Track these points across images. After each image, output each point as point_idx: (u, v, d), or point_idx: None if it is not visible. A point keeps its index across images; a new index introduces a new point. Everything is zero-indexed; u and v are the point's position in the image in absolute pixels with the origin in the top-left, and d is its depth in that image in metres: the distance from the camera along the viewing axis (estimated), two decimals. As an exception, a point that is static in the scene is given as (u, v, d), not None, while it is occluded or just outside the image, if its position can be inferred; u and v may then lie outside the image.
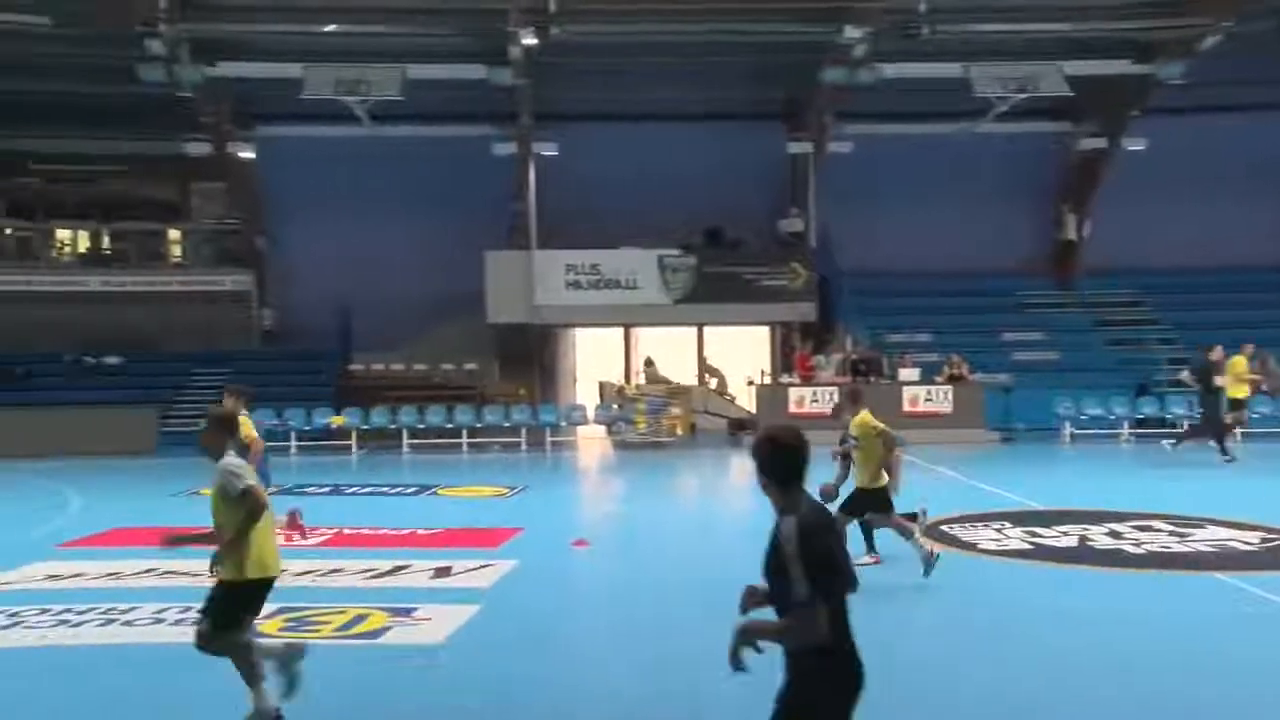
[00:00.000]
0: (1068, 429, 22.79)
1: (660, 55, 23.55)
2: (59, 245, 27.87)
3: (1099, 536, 11.56)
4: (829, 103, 25.03)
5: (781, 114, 26.88)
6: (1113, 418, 23.01)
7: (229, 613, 6.24)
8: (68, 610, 8.94)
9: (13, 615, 8.82)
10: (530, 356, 26.16)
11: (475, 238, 24.98)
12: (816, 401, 22.40)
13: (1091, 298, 26.90)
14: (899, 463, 9.95)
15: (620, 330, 27.92)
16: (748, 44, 23.55)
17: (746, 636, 4.10)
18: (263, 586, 6.42)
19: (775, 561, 4.08)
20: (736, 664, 4.10)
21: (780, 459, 4.23)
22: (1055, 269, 27.83)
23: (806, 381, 23.15)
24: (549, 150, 25.02)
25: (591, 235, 24.83)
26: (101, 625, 8.55)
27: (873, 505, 9.87)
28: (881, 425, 9.91)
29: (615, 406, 24.07)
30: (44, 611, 8.91)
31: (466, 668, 7.63)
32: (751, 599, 4.28)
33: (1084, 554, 10.83)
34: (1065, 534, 11.73)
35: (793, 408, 22.50)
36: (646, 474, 19.67)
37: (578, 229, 24.72)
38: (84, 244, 28.18)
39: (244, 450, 9.09)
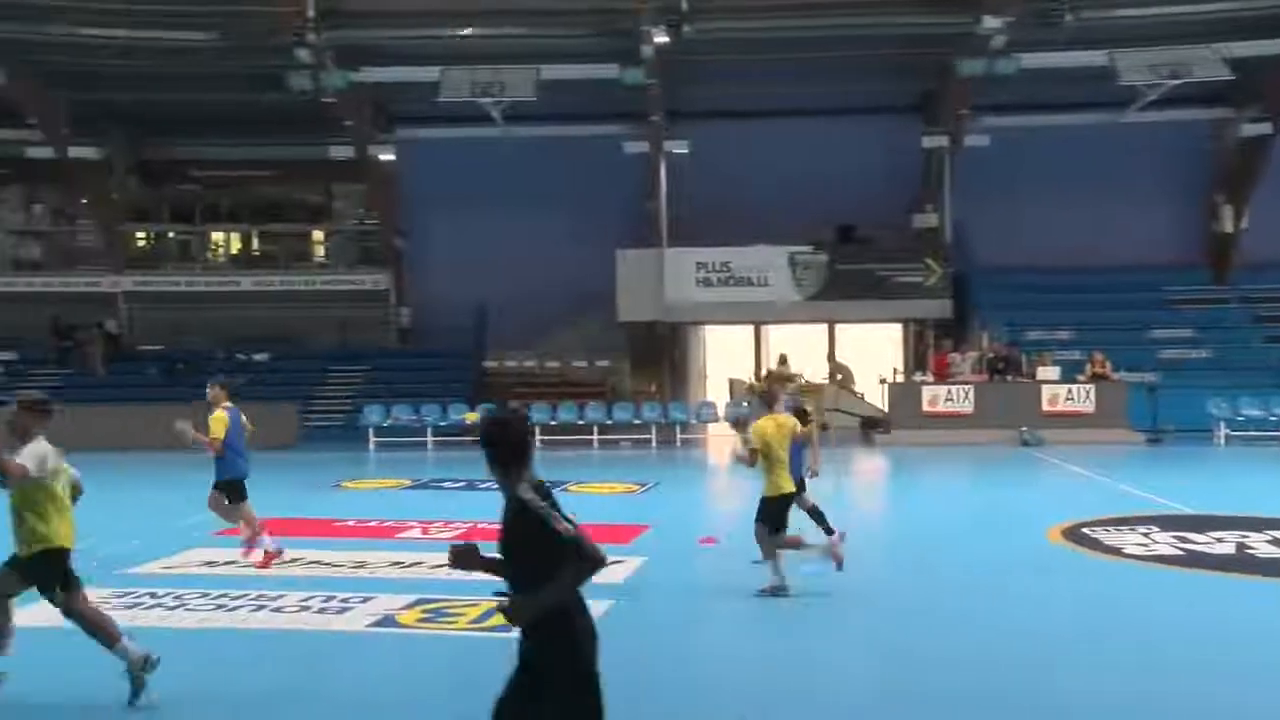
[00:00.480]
0: (1222, 430, 21.74)
1: (792, 51, 23.36)
2: (214, 247, 29.21)
3: (1260, 544, 10.98)
4: (966, 95, 24.44)
5: (915, 107, 26.38)
6: (1274, 418, 21.86)
7: None
8: (224, 595, 9.38)
9: (178, 598, 9.31)
10: (660, 354, 26.27)
11: (606, 236, 25.22)
12: (951, 400, 21.93)
13: (1250, 293, 25.62)
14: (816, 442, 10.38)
15: (750, 328, 27.82)
16: (881, 37, 23.18)
17: (521, 616, 4.45)
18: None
19: (515, 536, 4.44)
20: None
21: (507, 442, 4.57)
22: (1209, 263, 26.58)
23: (941, 380, 22.66)
24: (680, 149, 25.08)
25: (722, 233, 24.80)
26: (253, 610, 8.94)
27: (780, 513, 9.50)
28: (770, 433, 9.39)
29: (745, 404, 23.97)
30: (203, 595, 9.37)
31: (601, 663, 7.71)
32: (468, 559, 4.55)
33: (1243, 562, 10.30)
34: (1220, 540, 11.18)
35: (926, 406, 22.08)
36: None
37: (708, 227, 24.72)
38: (236, 246, 29.46)
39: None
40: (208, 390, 11.65)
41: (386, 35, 22.22)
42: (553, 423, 23.20)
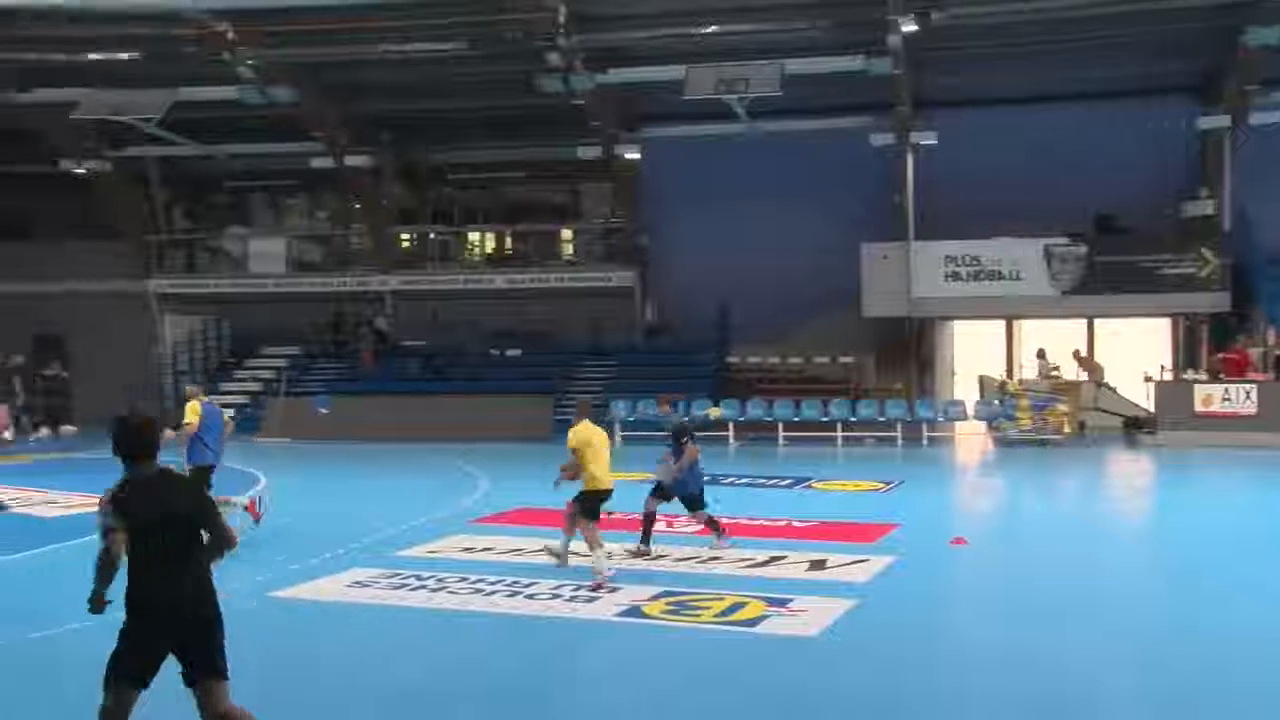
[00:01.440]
0: None
1: (1048, 34, 22.21)
2: (470, 247, 30.72)
3: None
4: (1253, 70, 22.47)
5: (1189, 87, 24.51)
6: None
7: None
8: (481, 580, 9.86)
9: (440, 581, 9.85)
10: (907, 350, 25.62)
11: (851, 230, 24.80)
12: (1229, 400, 20.27)
13: None
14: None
15: (1002, 323, 26.71)
16: (1149, 12, 21.63)
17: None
18: None
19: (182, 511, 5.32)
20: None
21: (119, 438, 5.27)
22: None
23: (1235, 378, 20.81)
24: (928, 139, 24.34)
25: (972, 225, 23.90)
26: (508, 595, 9.35)
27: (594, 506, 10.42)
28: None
29: (996, 402, 23.06)
30: (462, 579, 9.88)
31: (843, 661, 7.62)
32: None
33: None
34: None
35: (1199, 406, 20.49)
36: (1029, 472, 18.70)
37: (957, 219, 23.88)
38: (490, 245, 30.87)
39: None
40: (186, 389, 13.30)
41: (632, 36, 22.68)
42: (795, 419, 23.03)
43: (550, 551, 10.70)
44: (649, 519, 11.25)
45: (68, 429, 16.52)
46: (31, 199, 30.00)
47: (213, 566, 5.49)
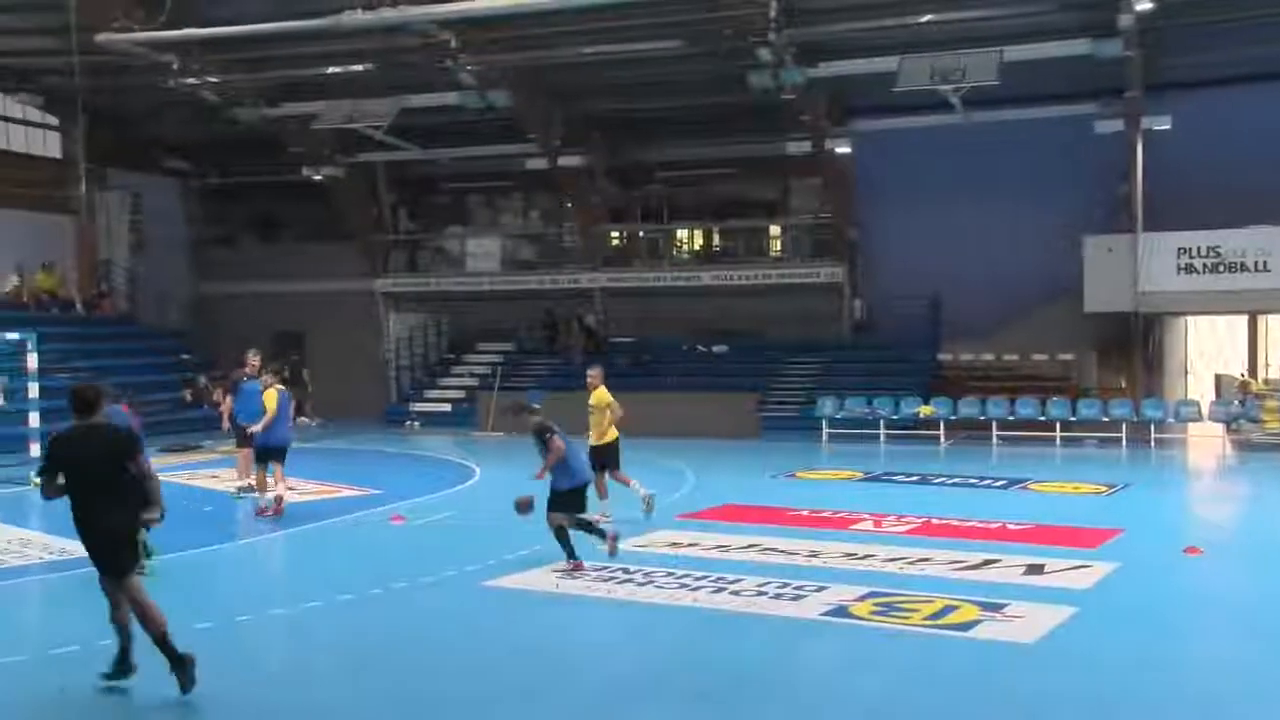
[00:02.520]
0: None
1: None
2: (678, 244, 30.99)
3: None
4: None
5: None
6: None
7: None
8: (687, 575, 9.95)
9: (646, 575, 10.01)
10: (1132, 347, 24.22)
11: (1072, 222, 23.64)
12: None
13: None
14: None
15: (1243, 319, 24.89)
16: None
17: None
18: None
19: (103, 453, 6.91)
20: None
21: (70, 399, 7.11)
22: None
23: None
24: (1160, 124, 22.89)
25: (1207, 214, 22.32)
26: (713, 592, 9.39)
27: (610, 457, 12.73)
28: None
29: (1236, 403, 21.51)
30: (669, 574, 10.00)
31: (1062, 671, 7.29)
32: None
33: None
34: None
35: None
36: (1275, 478, 17.37)
37: (1191, 208, 22.37)
38: (698, 242, 31.06)
39: None
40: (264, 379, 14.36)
41: (844, 29, 22.28)
42: (1010, 418, 22.18)
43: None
44: (559, 532, 10.36)
45: (303, 420, 17.81)
46: (277, 204, 32.36)
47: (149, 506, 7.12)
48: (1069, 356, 24.64)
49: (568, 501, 10.48)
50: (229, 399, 15.88)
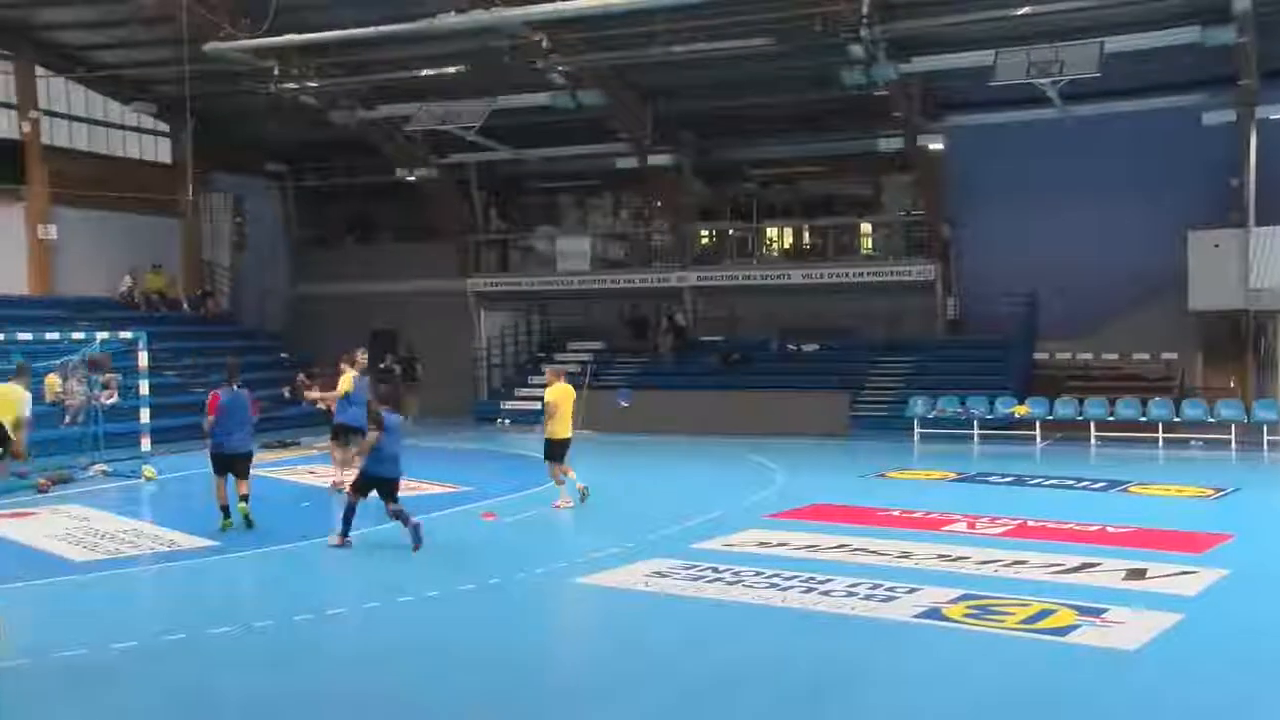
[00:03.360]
0: None
1: None
2: (768, 242, 30.83)
3: None
4: None
5: None
6: None
7: None
8: (776, 575, 9.90)
9: (736, 574, 9.99)
10: (1242, 346, 23.38)
11: (1175, 217, 22.91)
12: None
13: None
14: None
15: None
16: None
17: None
18: None
19: None
20: None
21: None
22: None
23: None
24: (1276, 113, 22.04)
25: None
26: (803, 592, 9.34)
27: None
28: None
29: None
30: (758, 574, 9.96)
31: (1165, 680, 7.09)
32: None
33: None
34: None
35: None
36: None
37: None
38: (788, 240, 30.86)
39: None
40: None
41: (938, 23, 21.90)
42: (1110, 418, 21.59)
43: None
44: (349, 509, 11.60)
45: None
46: (372, 205, 33.06)
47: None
48: (1172, 356, 23.90)
49: (365, 486, 11.61)
50: (319, 390, 16.66)
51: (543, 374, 29.07)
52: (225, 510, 12.50)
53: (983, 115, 24.75)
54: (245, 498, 12.66)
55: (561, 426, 14.06)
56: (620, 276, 30.07)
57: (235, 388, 12.86)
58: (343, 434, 15.41)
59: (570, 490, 14.12)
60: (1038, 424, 21.88)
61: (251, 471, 12.96)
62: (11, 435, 11.34)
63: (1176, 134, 22.86)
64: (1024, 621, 8.27)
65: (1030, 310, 25.28)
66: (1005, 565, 10.22)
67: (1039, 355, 25.32)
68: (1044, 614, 8.44)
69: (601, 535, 11.85)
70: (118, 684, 7.33)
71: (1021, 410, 22.22)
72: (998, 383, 23.65)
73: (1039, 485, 16.00)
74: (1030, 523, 12.52)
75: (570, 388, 14.39)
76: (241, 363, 13.95)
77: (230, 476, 12.58)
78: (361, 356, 16.13)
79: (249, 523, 12.41)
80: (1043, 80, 20.86)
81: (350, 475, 14.25)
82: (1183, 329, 23.47)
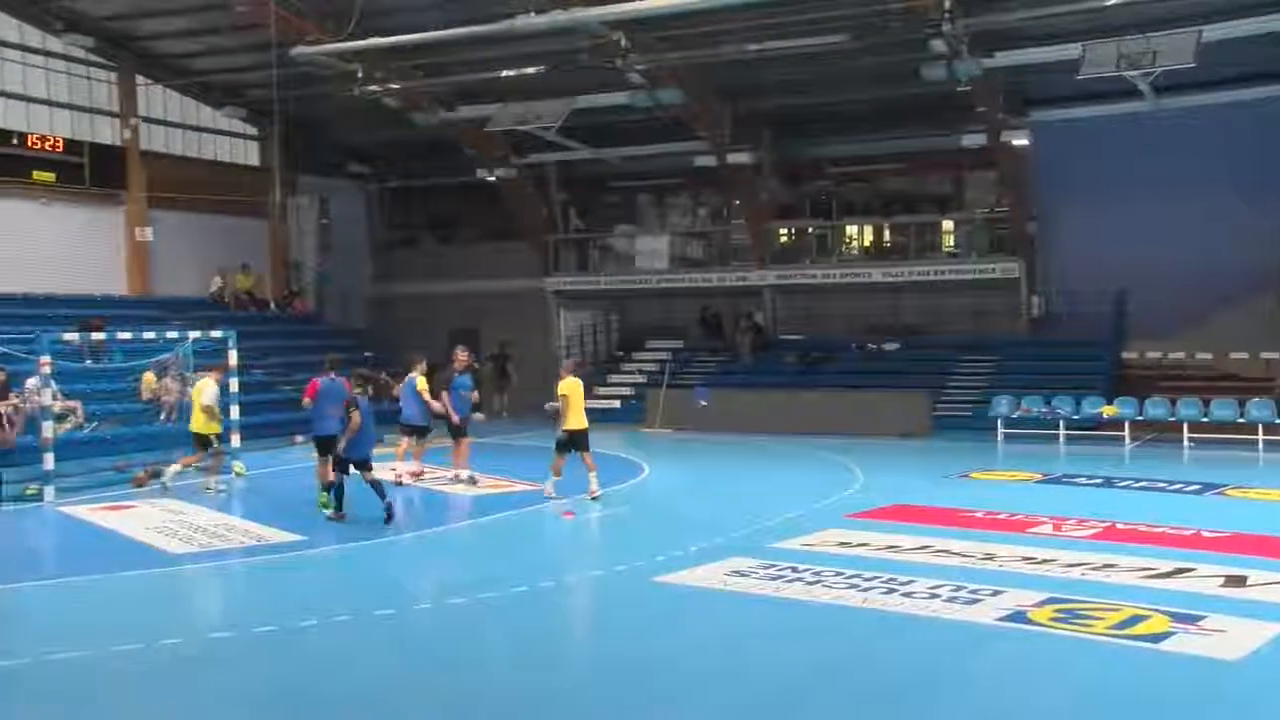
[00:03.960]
0: None
1: None
2: (848, 240, 30.54)
3: None
4: None
5: None
6: None
7: None
8: (857, 575, 9.80)
9: (816, 574, 9.92)
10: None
11: (1273, 211, 22.20)
12: None
13: None
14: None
15: None
16: None
17: None
18: None
19: None
20: None
21: None
22: None
23: None
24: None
25: None
26: (884, 593, 9.23)
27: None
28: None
29: None
30: (838, 574, 9.88)
31: (1267, 694, 6.86)
32: None
33: None
34: None
35: None
36: None
37: None
38: (868, 238, 30.53)
39: None
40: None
41: (1024, 16, 21.46)
42: (1204, 420, 20.98)
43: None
44: (339, 488, 13.13)
45: (478, 416, 18.53)
46: (452, 205, 33.49)
47: None
48: (1273, 355, 23.13)
49: (344, 464, 13.04)
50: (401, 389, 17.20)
51: (623, 372, 29.62)
52: (327, 489, 13.50)
53: (1070, 109, 24.26)
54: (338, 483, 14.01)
55: (576, 418, 14.38)
56: (699, 275, 30.04)
57: (333, 377, 14.11)
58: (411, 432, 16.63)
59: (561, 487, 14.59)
60: (1127, 425, 21.34)
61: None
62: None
63: (1275, 125, 22.12)
64: (1114, 627, 8.08)
65: (1119, 308, 24.69)
66: (1094, 568, 9.99)
67: (1128, 354, 24.71)
68: (1136, 619, 8.23)
69: (682, 534, 11.84)
70: (215, 671, 7.54)
71: (1110, 410, 21.70)
72: (1084, 382, 23.13)
73: (1129, 487, 15.60)
74: (1120, 525, 12.22)
75: (579, 381, 14.88)
76: (343, 359, 15.77)
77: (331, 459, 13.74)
78: (462, 354, 16.79)
79: (327, 505, 13.41)
80: (1134, 72, 20.33)
81: (408, 467, 16.44)
82: (1282, 327, 22.72)
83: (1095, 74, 20.66)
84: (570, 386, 14.58)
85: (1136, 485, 15.73)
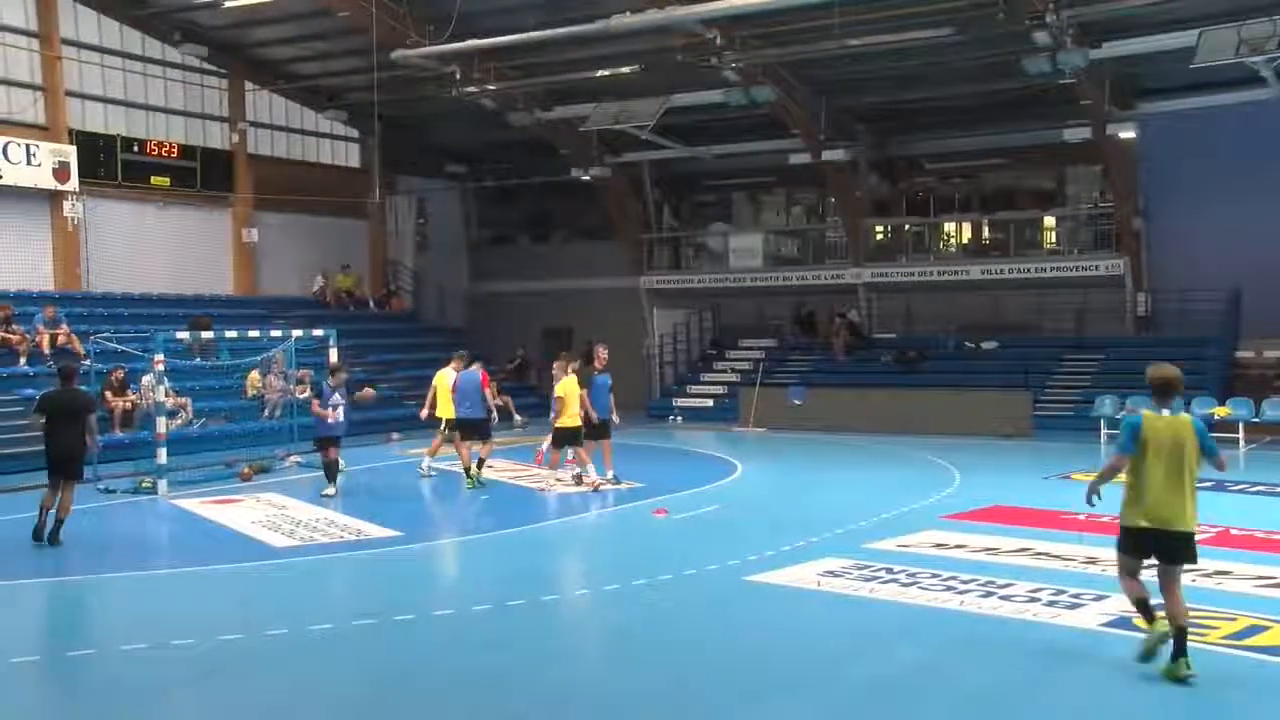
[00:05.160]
0: None
1: None
2: (946, 237, 30.01)
3: None
4: None
5: None
6: None
7: None
8: (954, 577, 9.62)
9: (911, 575, 9.77)
10: None
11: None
12: None
13: None
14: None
15: None
16: None
17: None
18: None
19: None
20: None
21: (58, 374, 12.42)
22: None
23: None
24: None
25: None
26: (982, 596, 9.05)
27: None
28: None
29: None
30: (934, 576, 9.71)
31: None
32: None
33: None
34: None
35: None
36: None
37: None
38: (966, 235, 29.96)
39: None
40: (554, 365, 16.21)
41: (1133, 4, 20.79)
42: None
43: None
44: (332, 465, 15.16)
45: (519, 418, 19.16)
46: (547, 204, 33.80)
47: (92, 437, 12.07)
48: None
49: (324, 443, 15.21)
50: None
51: (716, 371, 29.56)
52: (466, 471, 15.72)
53: (1180, 100, 23.48)
54: (481, 462, 15.80)
55: (568, 417, 15.19)
56: (793, 273, 29.83)
57: (467, 368, 16.22)
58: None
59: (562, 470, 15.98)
60: (1241, 426, 20.56)
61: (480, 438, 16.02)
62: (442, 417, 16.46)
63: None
64: (1229, 637, 7.79)
65: (1232, 306, 23.81)
66: (1206, 575, 9.62)
67: (1243, 354, 23.81)
68: (1254, 630, 7.92)
69: (774, 533, 11.76)
70: (317, 662, 7.73)
71: (1222, 411, 20.92)
72: (1195, 382, 22.28)
73: (1243, 492, 15.02)
74: (1234, 531, 11.78)
75: (575, 379, 15.39)
76: (474, 354, 17.25)
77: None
78: (602, 352, 16.12)
79: (471, 481, 15.57)
80: (1257, 58, 19.47)
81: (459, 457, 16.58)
82: None
83: (1212, 62, 19.88)
84: (565, 387, 15.25)
85: (1252, 489, 15.15)
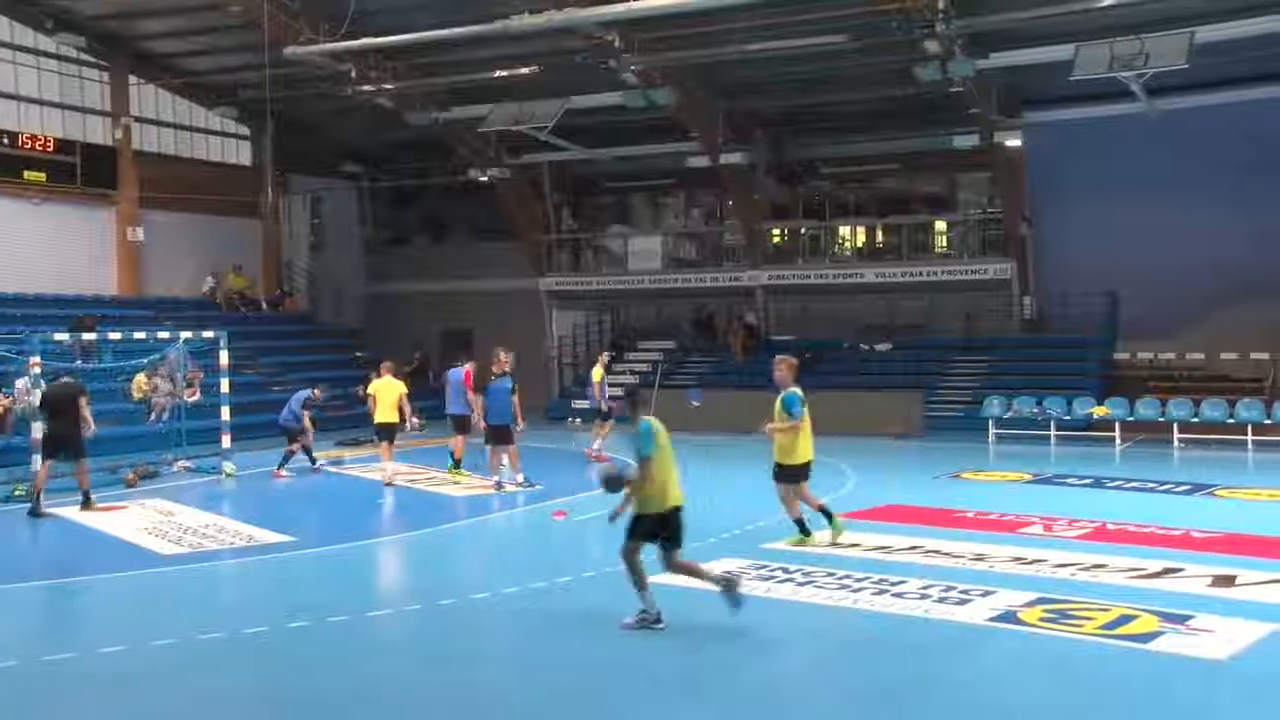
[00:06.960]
0: None
1: None
2: (841, 241, 30.55)
3: None
4: None
5: None
6: None
7: None
8: (848, 576, 9.81)
9: (806, 575, 9.94)
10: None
11: (1264, 212, 22.24)
12: None
13: None
14: None
15: None
16: None
17: None
18: None
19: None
20: None
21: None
22: None
23: None
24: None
25: None
26: (875, 593, 9.24)
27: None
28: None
29: None
30: (829, 575, 9.89)
31: (1262, 692, 6.87)
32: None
33: None
34: None
35: None
36: None
37: None
38: (861, 239, 30.55)
39: None
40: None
41: (1017, 17, 21.47)
42: (1194, 420, 21.03)
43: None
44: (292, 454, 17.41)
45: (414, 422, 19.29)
46: (445, 205, 33.44)
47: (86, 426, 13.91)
48: (1263, 356, 23.18)
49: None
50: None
51: (612, 373, 29.51)
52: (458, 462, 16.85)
53: (1063, 111, 24.28)
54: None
55: (381, 413, 16.52)
56: (692, 276, 30.04)
57: (456, 366, 17.50)
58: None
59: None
60: (1118, 425, 21.38)
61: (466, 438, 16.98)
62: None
63: (1267, 127, 22.18)
64: (1104, 627, 8.09)
65: (1110, 309, 24.74)
66: (1084, 569, 10.01)
67: (1120, 355, 24.78)
68: (1125, 619, 8.24)
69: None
70: (213, 671, 7.53)
71: (1101, 411, 21.75)
72: (1076, 383, 23.18)
73: (1119, 488, 15.62)
74: (1110, 526, 12.24)
75: (391, 381, 16.66)
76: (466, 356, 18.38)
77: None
78: (504, 356, 16.07)
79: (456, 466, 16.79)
80: (1126, 74, 20.34)
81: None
82: (1274, 328, 22.77)
83: (1087, 75, 20.69)
84: (378, 386, 16.65)
85: (1127, 486, 15.76)
